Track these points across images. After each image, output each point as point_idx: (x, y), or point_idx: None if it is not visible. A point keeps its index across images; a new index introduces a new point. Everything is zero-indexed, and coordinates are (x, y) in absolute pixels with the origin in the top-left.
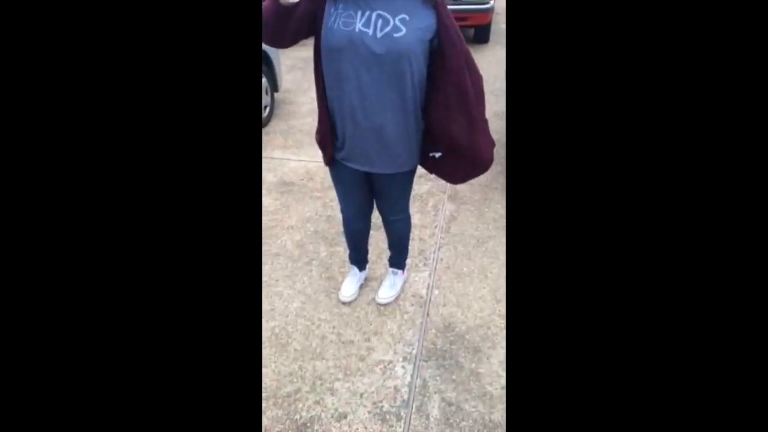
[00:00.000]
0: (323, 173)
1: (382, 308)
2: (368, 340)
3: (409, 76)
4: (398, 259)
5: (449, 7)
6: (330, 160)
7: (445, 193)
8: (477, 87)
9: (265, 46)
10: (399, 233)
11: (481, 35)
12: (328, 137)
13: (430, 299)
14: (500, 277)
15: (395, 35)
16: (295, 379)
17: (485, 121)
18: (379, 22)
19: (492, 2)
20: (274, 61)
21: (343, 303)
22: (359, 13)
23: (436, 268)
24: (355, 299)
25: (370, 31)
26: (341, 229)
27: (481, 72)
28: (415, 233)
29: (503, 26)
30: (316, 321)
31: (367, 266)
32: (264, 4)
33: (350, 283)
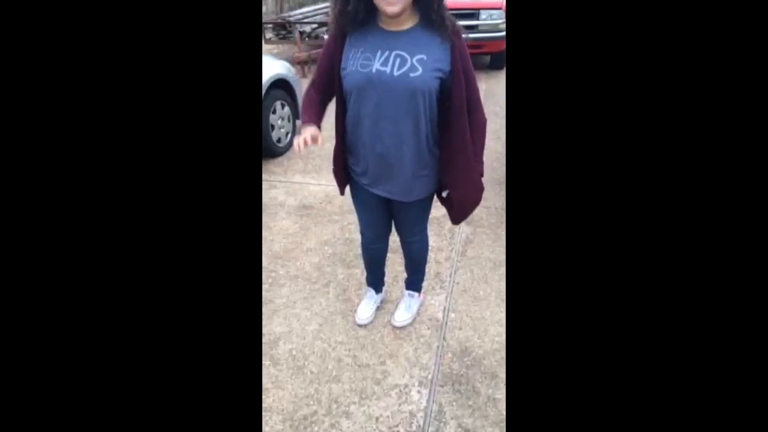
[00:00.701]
0: (342, 197)
1: (398, 331)
2: (384, 363)
3: (423, 111)
4: (415, 280)
5: (464, 35)
6: (343, 193)
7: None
8: (478, 128)
9: (288, 76)
10: (416, 254)
11: (497, 62)
12: (340, 172)
13: (446, 323)
14: None
15: (411, 75)
16: (311, 402)
17: (479, 163)
18: (398, 61)
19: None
20: (297, 91)
21: (359, 325)
22: (378, 53)
23: (452, 291)
24: (372, 322)
25: (388, 70)
26: (358, 251)
27: (498, 97)
28: (431, 256)
29: None
30: (332, 343)
31: (384, 289)
32: (304, 99)
33: (366, 305)
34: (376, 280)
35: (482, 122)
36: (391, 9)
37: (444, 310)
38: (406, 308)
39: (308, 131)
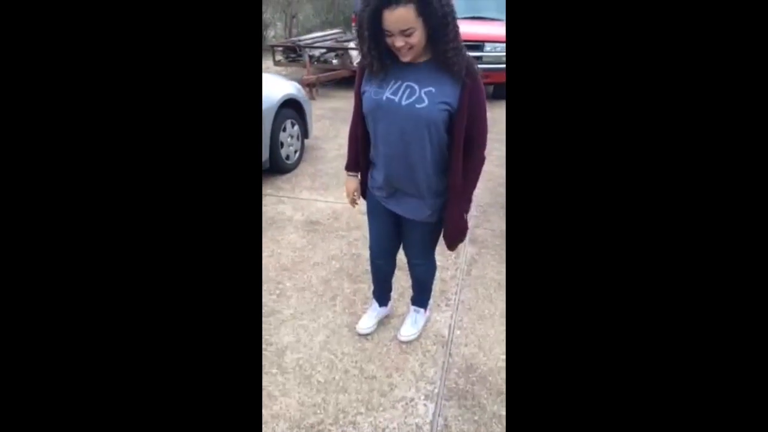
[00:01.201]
0: (348, 214)
1: (404, 345)
2: (390, 376)
3: (428, 140)
4: (421, 299)
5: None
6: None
7: (467, 236)
8: (474, 165)
9: (298, 96)
10: (421, 277)
11: (500, 92)
12: (364, 182)
13: (451, 339)
14: None
15: (417, 106)
16: (318, 411)
17: (466, 201)
18: (407, 91)
19: None
20: (306, 111)
21: (360, 335)
22: (391, 83)
23: (458, 308)
24: (372, 332)
25: (396, 99)
26: (366, 267)
27: (501, 125)
28: (436, 274)
29: None
30: (339, 355)
31: (390, 304)
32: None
33: (369, 317)
34: (381, 293)
35: (480, 161)
36: (404, 59)
37: (449, 327)
38: (412, 323)
39: (351, 184)
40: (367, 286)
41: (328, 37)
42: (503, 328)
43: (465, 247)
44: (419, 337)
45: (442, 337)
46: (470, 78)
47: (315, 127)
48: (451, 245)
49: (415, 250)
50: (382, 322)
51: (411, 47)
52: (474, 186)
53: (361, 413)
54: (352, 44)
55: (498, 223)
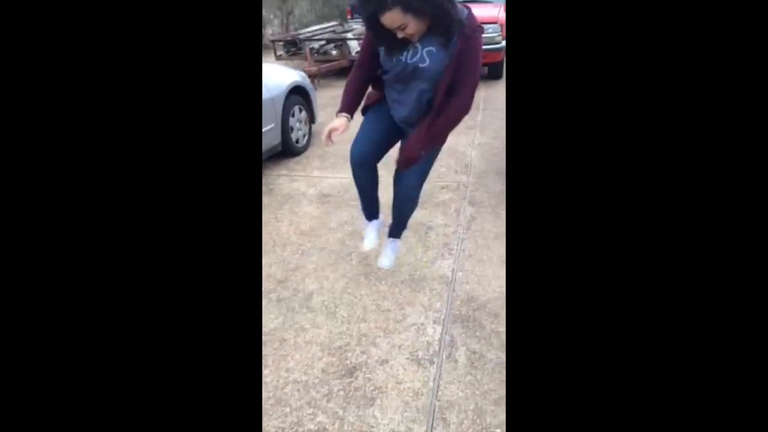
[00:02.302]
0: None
1: (413, 285)
2: (403, 308)
3: (427, 89)
4: (398, 230)
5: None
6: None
7: (465, 199)
8: (452, 110)
9: (304, 83)
10: (407, 210)
11: (495, 72)
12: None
13: (454, 279)
14: None
15: (420, 65)
16: (344, 336)
17: (433, 139)
18: (411, 50)
19: (503, 43)
20: (312, 97)
21: (366, 251)
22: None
23: (459, 256)
24: (375, 246)
25: (403, 58)
26: None
27: (496, 102)
28: (439, 231)
29: None
30: (358, 296)
31: (380, 215)
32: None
33: (368, 235)
34: (368, 207)
35: (462, 107)
36: (414, 41)
37: (452, 271)
38: (391, 252)
39: (337, 121)
40: (379, 242)
41: (327, 30)
42: (499, 269)
43: (465, 208)
44: (412, 287)
45: (447, 278)
46: (461, 39)
47: (320, 114)
48: (402, 164)
49: (414, 177)
50: (396, 271)
51: (413, 34)
52: (447, 127)
53: (380, 336)
54: (350, 35)
55: (493, 186)
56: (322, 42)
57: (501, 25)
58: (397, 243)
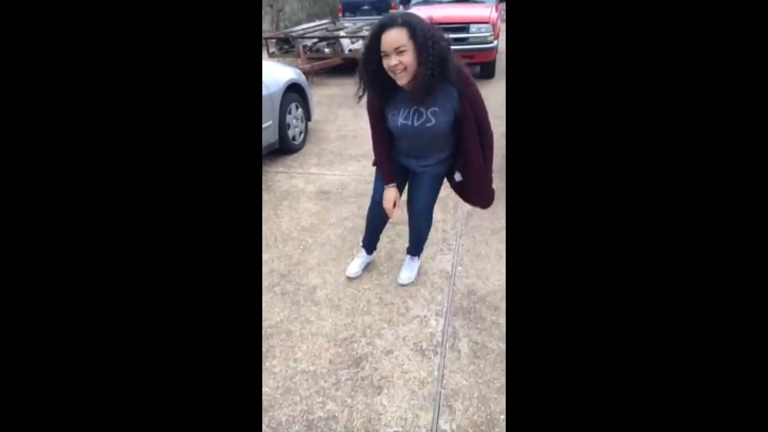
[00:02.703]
0: (355, 185)
1: (415, 279)
2: (405, 302)
3: (441, 141)
4: (416, 249)
5: (455, 47)
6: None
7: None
8: (488, 146)
9: (300, 80)
10: (421, 229)
11: (487, 71)
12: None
13: (455, 273)
14: None
15: (427, 125)
16: (349, 328)
17: (489, 170)
18: (416, 115)
19: (495, 42)
20: (308, 95)
21: (348, 278)
22: (402, 110)
23: (458, 251)
24: (359, 277)
25: (409, 123)
26: None
27: (487, 101)
28: (438, 226)
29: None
30: (361, 290)
31: (374, 253)
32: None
33: (356, 263)
34: (370, 242)
35: (491, 137)
36: (401, 83)
37: (452, 265)
38: (410, 270)
39: (390, 194)
40: (379, 239)
41: (319, 27)
42: (497, 263)
43: (462, 204)
44: (419, 277)
45: (447, 273)
46: (463, 82)
47: (315, 112)
48: (485, 204)
49: (423, 199)
50: (397, 266)
51: (405, 68)
52: (492, 161)
53: (384, 328)
54: (342, 33)
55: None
56: (315, 40)
57: (492, 25)
58: (417, 261)
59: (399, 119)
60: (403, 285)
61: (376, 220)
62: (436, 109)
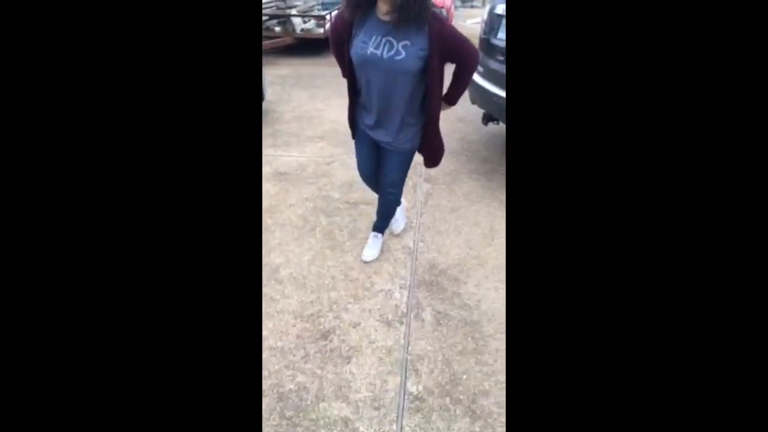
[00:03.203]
0: (314, 166)
1: (379, 256)
2: (370, 277)
3: (408, 84)
4: (381, 225)
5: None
6: (354, 136)
7: (421, 176)
8: (466, 70)
9: None
10: (389, 206)
11: None
12: (353, 119)
13: (416, 249)
14: (471, 233)
15: (396, 58)
16: (315, 304)
17: (449, 105)
18: (387, 46)
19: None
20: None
21: (367, 260)
22: (372, 38)
23: (419, 228)
24: (375, 258)
25: (378, 53)
26: (337, 205)
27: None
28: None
29: None
30: (325, 267)
31: (386, 233)
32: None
33: (372, 246)
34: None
35: (473, 64)
36: (383, 7)
37: (414, 242)
38: (373, 246)
39: None
40: (340, 218)
41: (268, 5)
42: (456, 239)
43: (421, 185)
44: (380, 256)
45: (409, 249)
46: (435, 21)
47: (267, 92)
48: (434, 162)
49: (391, 175)
50: (360, 243)
51: None
52: (458, 96)
53: (350, 302)
54: (293, 11)
55: (445, 165)
56: (265, 17)
57: (447, 10)
58: (380, 239)
59: (369, 48)
60: (366, 262)
61: (373, 188)
62: (408, 42)
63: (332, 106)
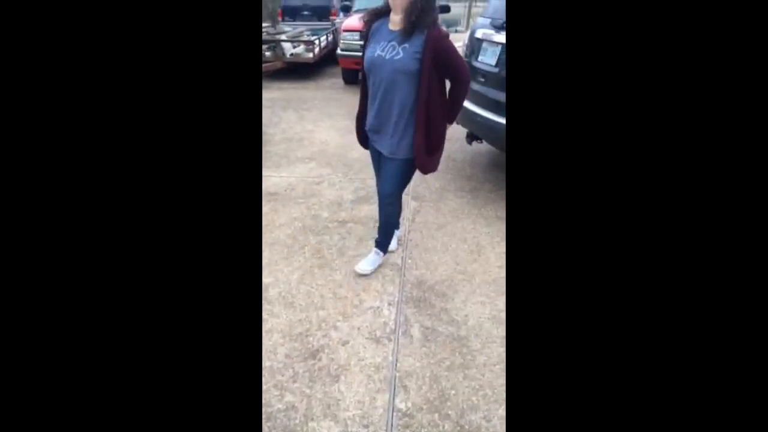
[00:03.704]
0: (303, 186)
1: (367, 273)
2: (358, 295)
3: (405, 84)
4: (382, 242)
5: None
6: (362, 142)
7: (409, 194)
8: (459, 95)
9: None
10: (387, 217)
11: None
12: (361, 128)
13: (404, 266)
14: (458, 250)
15: (396, 58)
16: (304, 323)
17: (443, 126)
18: (390, 49)
19: None
20: None
21: (360, 272)
22: (382, 44)
23: (407, 245)
24: (369, 273)
25: (384, 54)
26: (326, 224)
27: None
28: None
29: None
30: (314, 286)
31: (386, 253)
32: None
33: (370, 260)
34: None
35: (464, 90)
36: (395, 11)
37: (402, 259)
38: (370, 262)
39: None
40: (329, 237)
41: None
42: (444, 255)
43: (409, 203)
44: (374, 271)
45: (397, 266)
46: (435, 29)
47: None
48: (424, 165)
49: (386, 185)
50: (349, 261)
51: None
52: (455, 113)
53: (339, 320)
54: (283, 36)
55: (432, 183)
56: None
57: None
58: (379, 257)
59: (377, 50)
60: (359, 275)
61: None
62: (407, 45)
63: (321, 128)
